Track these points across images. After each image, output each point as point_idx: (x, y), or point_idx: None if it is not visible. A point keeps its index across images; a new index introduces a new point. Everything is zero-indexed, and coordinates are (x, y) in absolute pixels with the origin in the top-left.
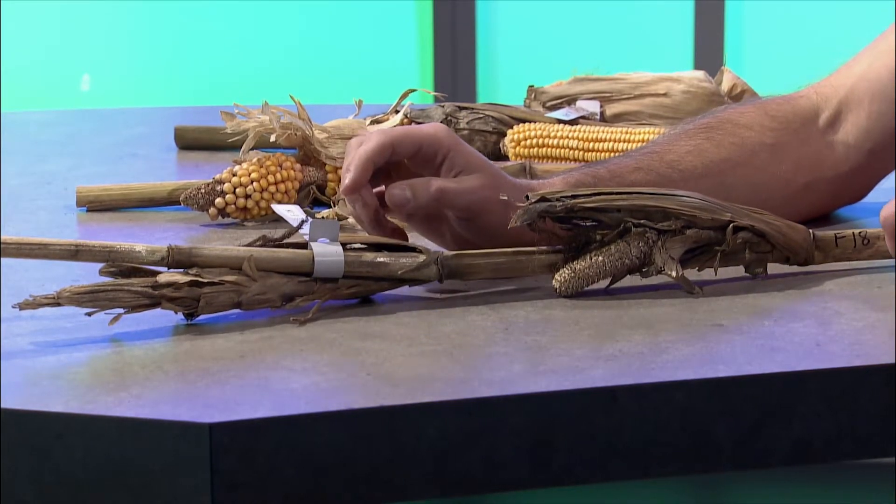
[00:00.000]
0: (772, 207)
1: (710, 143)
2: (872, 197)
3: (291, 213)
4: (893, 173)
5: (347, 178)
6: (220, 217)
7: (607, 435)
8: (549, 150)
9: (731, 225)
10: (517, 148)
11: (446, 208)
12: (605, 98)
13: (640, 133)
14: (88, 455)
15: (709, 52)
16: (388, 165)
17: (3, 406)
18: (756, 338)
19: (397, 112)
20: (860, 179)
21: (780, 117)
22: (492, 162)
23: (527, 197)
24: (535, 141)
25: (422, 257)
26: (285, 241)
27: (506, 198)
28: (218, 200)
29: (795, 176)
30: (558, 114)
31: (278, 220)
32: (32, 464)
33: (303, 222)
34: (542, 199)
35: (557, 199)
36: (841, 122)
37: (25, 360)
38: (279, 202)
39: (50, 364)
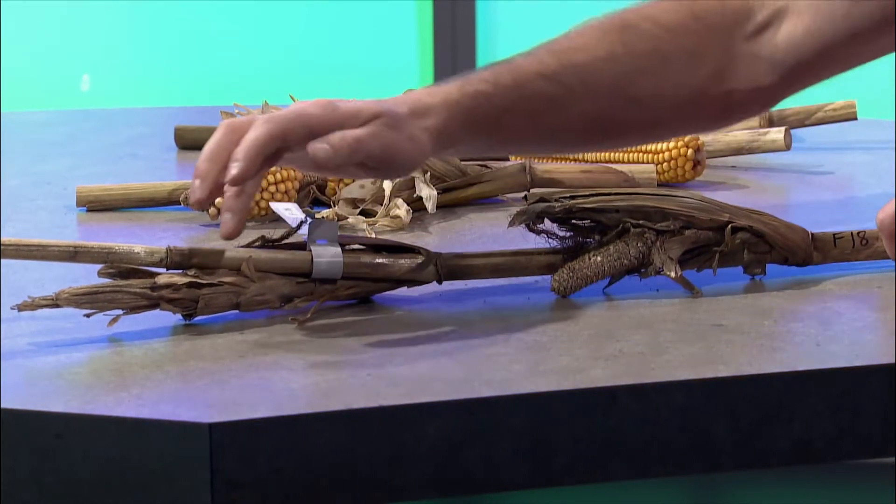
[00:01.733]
0: (678, 118)
1: (623, 48)
2: (872, 198)
3: (290, 211)
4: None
5: (235, 169)
6: (220, 217)
7: (607, 435)
8: None
9: (729, 225)
10: None
11: (363, 156)
12: None
13: None
14: (88, 455)
15: None
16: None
17: (3, 406)
18: (756, 338)
19: None
20: (776, 93)
21: (706, 18)
22: (376, 100)
23: (525, 198)
24: None
25: (420, 258)
26: (284, 241)
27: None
28: (218, 200)
29: (709, 85)
30: None
31: (278, 219)
32: (32, 464)
33: (301, 223)
34: (541, 199)
35: (556, 200)
36: (773, 30)
37: (25, 360)
38: (279, 202)
39: (50, 364)
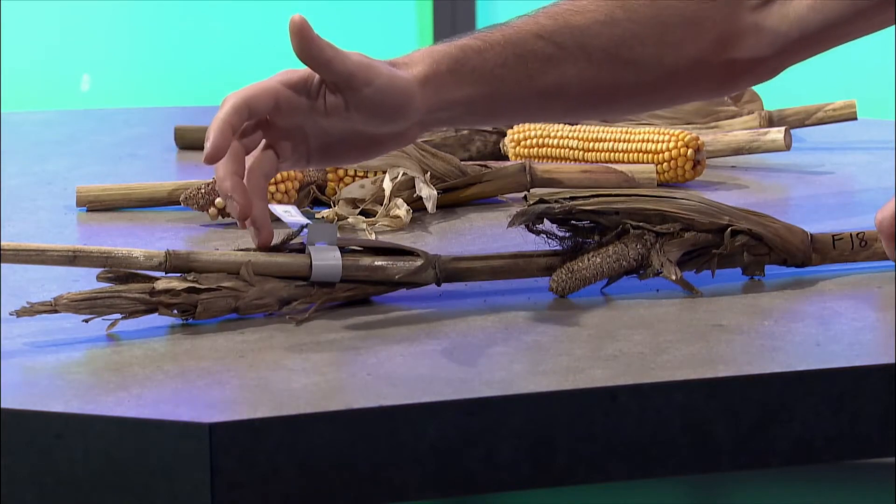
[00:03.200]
0: (676, 85)
1: (624, 13)
2: (872, 198)
3: (289, 213)
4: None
5: (207, 146)
6: (219, 217)
7: (607, 435)
8: (549, 150)
9: (729, 228)
10: (517, 148)
11: (337, 74)
12: None
13: (639, 133)
14: (88, 455)
15: None
16: (258, 124)
17: (3, 406)
18: (756, 338)
19: None
20: (776, 65)
21: None
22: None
23: (525, 198)
24: (535, 141)
25: (419, 261)
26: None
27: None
28: (218, 200)
29: (710, 54)
30: None
31: (278, 220)
32: (32, 464)
33: (302, 228)
34: (541, 200)
35: (556, 201)
36: (780, 2)
37: (25, 360)
38: (279, 202)
39: (50, 364)
